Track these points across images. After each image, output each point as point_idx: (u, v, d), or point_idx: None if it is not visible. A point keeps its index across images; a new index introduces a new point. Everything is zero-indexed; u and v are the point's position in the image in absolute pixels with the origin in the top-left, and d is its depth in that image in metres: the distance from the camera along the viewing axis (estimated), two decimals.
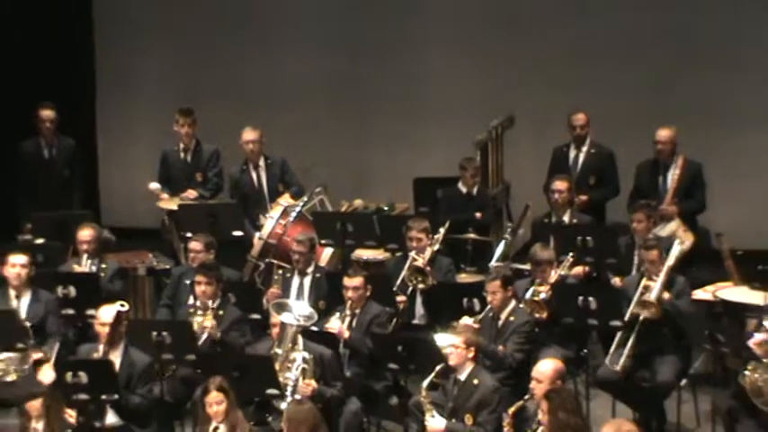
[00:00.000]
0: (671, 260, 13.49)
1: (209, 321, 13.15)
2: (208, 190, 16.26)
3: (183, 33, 19.13)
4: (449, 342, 11.82)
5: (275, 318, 12.53)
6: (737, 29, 17.59)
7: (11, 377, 12.25)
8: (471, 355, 11.70)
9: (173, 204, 15.89)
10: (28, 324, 13.28)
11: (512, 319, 12.95)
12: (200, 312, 13.26)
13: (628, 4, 17.86)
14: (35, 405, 11.22)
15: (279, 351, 12.27)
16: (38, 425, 11.20)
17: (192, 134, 16.42)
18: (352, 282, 13.20)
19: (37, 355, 12.13)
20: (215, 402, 11.16)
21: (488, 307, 13.03)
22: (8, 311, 13.35)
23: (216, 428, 11.15)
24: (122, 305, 12.77)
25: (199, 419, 11.48)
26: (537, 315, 13.19)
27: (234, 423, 11.14)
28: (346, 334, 12.97)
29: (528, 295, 13.34)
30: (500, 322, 12.95)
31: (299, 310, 12.64)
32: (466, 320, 12.50)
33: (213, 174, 16.43)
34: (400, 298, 13.88)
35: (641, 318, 13.12)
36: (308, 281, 13.96)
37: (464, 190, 15.83)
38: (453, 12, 18.35)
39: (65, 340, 13.65)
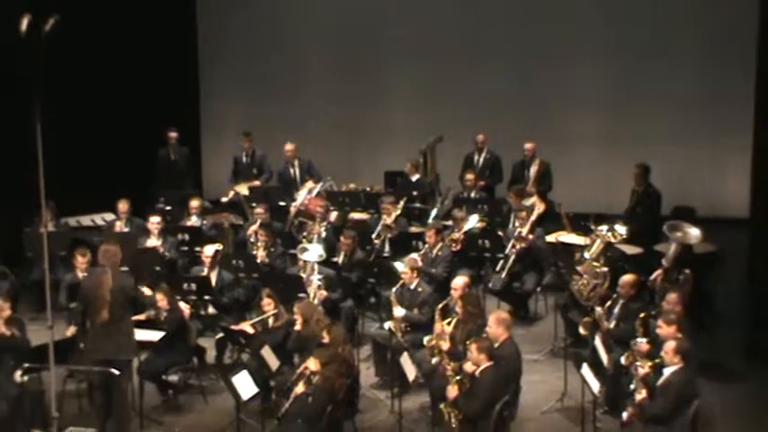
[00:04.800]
0: (533, 217, 13.58)
1: (262, 254, 13.27)
2: (262, 178, 16.29)
3: (251, 88, 19.09)
4: (401, 268, 11.91)
5: (301, 255, 12.61)
6: (573, 79, 17.60)
7: None
8: (416, 274, 11.74)
9: (244, 189, 15.89)
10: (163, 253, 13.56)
11: (440, 253, 13.00)
12: (260, 248, 13.36)
13: (505, 71, 17.84)
14: (164, 304, 11.24)
15: (303, 274, 12.35)
16: (165, 313, 11.24)
17: (251, 146, 16.47)
18: (347, 238, 13.25)
19: None
20: (266, 303, 11.22)
21: (427, 245, 13.13)
22: (152, 247, 13.48)
23: (268, 317, 11.23)
24: (219, 247, 12.89)
25: (258, 312, 11.58)
26: (453, 248, 13.23)
27: (278, 313, 11.21)
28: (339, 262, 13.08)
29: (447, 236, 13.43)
30: (433, 254, 12.99)
31: (315, 250, 12.68)
32: (412, 255, 12.54)
33: (265, 168, 16.46)
34: (376, 241, 13.90)
35: (516, 249, 13.21)
36: (323, 231, 13.89)
37: (410, 178, 15.78)
38: (408, 74, 18.33)
39: (182, 263, 13.79)
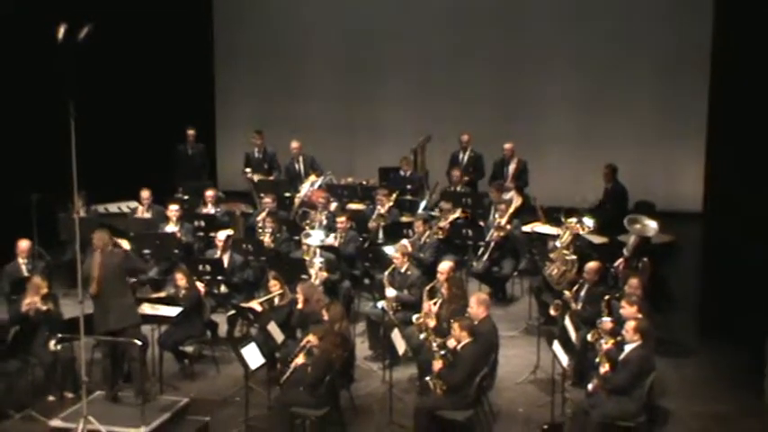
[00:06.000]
0: (511, 209, 13.58)
1: (269, 239, 13.25)
2: (274, 174, 16.16)
3: (261, 91, 19.05)
4: (392, 253, 11.91)
5: (305, 240, 12.60)
6: (548, 88, 17.61)
7: None
8: (406, 259, 11.72)
9: (256, 178, 15.88)
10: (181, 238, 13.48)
11: (428, 240, 12.99)
12: (267, 234, 13.34)
13: (488, 79, 17.84)
14: (182, 283, 11.25)
15: (306, 257, 12.34)
16: (183, 291, 11.27)
17: (262, 143, 16.36)
18: (341, 220, 13.25)
19: None
20: (272, 284, 11.19)
21: (416, 233, 13.12)
22: (171, 233, 13.40)
23: (274, 296, 11.22)
24: (230, 232, 12.86)
25: (265, 291, 11.56)
26: (439, 236, 13.21)
27: (282, 292, 11.20)
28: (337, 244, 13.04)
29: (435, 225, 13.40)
30: (422, 241, 12.97)
31: (317, 235, 12.67)
32: (403, 242, 12.51)
33: (275, 165, 16.36)
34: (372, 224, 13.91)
35: (495, 237, 13.23)
36: (324, 219, 13.84)
37: (402, 173, 15.68)
38: (400, 80, 18.31)
39: (198, 247, 13.70)
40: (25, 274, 11.67)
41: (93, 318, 9.96)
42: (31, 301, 10.48)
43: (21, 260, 11.90)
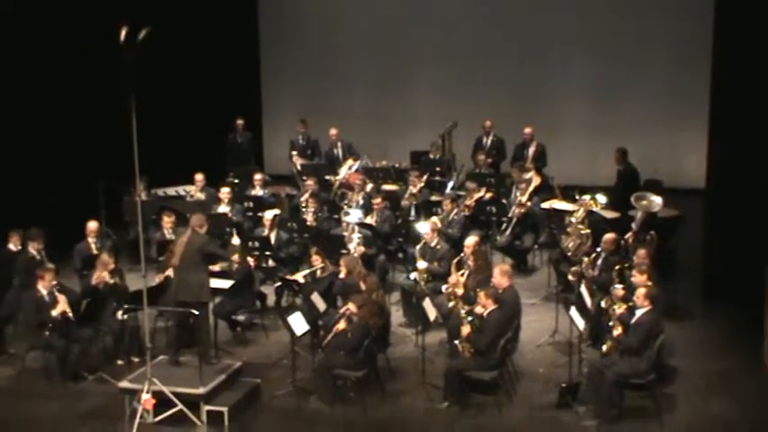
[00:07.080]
0: (531, 188, 13.57)
1: (311, 218, 13.27)
2: (315, 160, 16.18)
3: (304, 83, 18.98)
4: (424, 229, 11.92)
5: (344, 218, 12.63)
6: (565, 77, 17.51)
7: None
8: (436, 234, 11.74)
9: (299, 163, 15.93)
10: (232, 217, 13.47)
11: (455, 217, 12.99)
12: (310, 213, 13.38)
13: (510, 69, 17.76)
14: (235, 258, 11.33)
15: (345, 234, 12.37)
16: (235, 265, 11.33)
17: (306, 131, 16.38)
18: (377, 201, 13.22)
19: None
20: (315, 258, 11.25)
21: (445, 211, 13.11)
22: (223, 214, 13.43)
23: (317, 269, 11.27)
24: (277, 212, 12.91)
25: (308, 265, 11.61)
26: (466, 213, 13.20)
27: (325, 266, 11.26)
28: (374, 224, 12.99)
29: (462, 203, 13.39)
30: (450, 218, 12.97)
31: (355, 214, 12.71)
32: (433, 219, 12.47)
33: (317, 151, 16.40)
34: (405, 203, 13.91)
35: (517, 214, 13.22)
36: (361, 199, 13.85)
37: (431, 157, 15.58)
38: (429, 71, 18.20)
39: (247, 226, 13.69)
40: (94, 251, 11.81)
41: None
42: (100, 276, 10.63)
43: (90, 239, 12.04)
